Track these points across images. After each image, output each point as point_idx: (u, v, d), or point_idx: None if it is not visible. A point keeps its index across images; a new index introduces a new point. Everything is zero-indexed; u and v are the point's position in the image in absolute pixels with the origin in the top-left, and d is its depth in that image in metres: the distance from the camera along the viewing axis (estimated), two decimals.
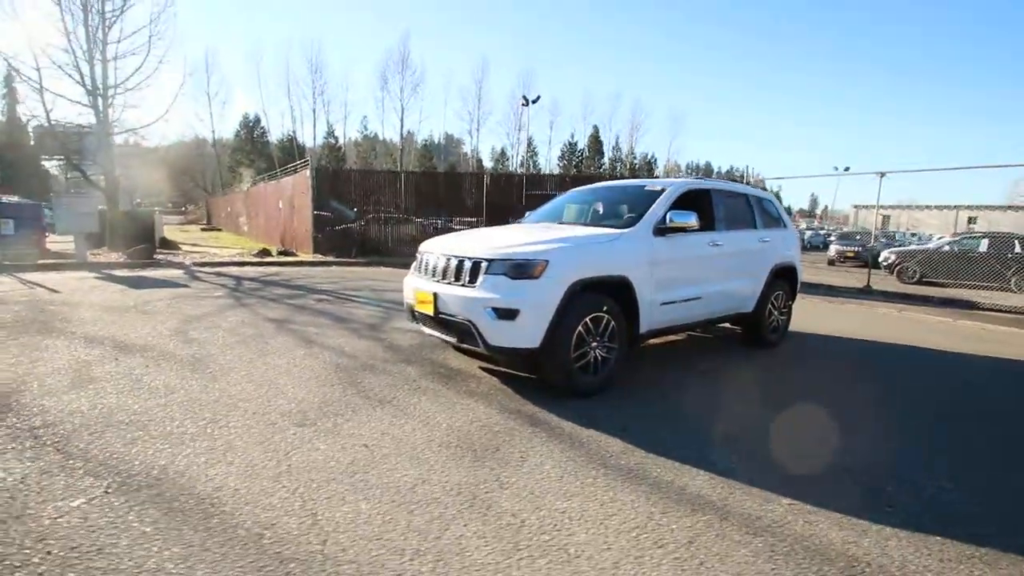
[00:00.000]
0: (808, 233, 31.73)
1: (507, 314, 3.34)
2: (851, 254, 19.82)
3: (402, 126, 54.61)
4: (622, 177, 44.44)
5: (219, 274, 10.34)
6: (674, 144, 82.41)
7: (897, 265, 14.23)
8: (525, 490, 2.38)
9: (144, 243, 12.49)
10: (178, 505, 2.11)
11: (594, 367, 3.62)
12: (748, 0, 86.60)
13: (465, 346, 3.79)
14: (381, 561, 1.83)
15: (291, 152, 48.08)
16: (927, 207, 43.13)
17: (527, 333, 3.36)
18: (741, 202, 5.12)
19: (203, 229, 32.20)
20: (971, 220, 38.94)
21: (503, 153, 62.84)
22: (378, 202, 15.09)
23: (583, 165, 59.53)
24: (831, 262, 19.97)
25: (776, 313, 5.40)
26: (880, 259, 14.82)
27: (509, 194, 15.50)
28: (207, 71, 47.61)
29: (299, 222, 15.39)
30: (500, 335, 3.39)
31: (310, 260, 13.26)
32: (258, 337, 5.05)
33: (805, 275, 7.19)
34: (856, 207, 49.62)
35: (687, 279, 4.30)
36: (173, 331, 5.17)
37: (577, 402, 3.49)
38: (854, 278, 13.02)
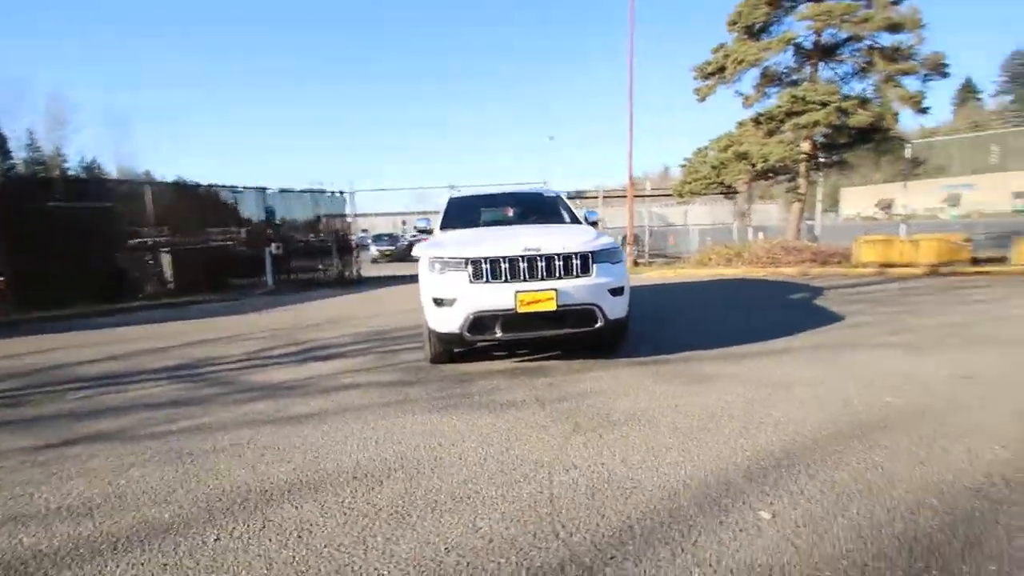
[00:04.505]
0: (358, 235, 32.91)
1: (619, 292, 4.35)
2: (388, 252, 24.71)
3: None
4: (61, 179, 34.15)
5: None
6: (123, 149, 68.94)
7: None
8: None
9: None
10: None
11: None
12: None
13: (563, 332, 4.35)
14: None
15: None
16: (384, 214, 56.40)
17: (625, 305, 4.49)
18: None
19: None
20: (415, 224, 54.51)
21: None
22: None
23: None
24: (375, 260, 23.47)
25: None
26: (414, 252, 19.55)
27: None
28: None
29: None
30: (614, 310, 4.32)
31: None
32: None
33: (405, 271, 10.93)
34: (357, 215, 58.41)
35: None
36: None
37: (626, 350, 5.03)
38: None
